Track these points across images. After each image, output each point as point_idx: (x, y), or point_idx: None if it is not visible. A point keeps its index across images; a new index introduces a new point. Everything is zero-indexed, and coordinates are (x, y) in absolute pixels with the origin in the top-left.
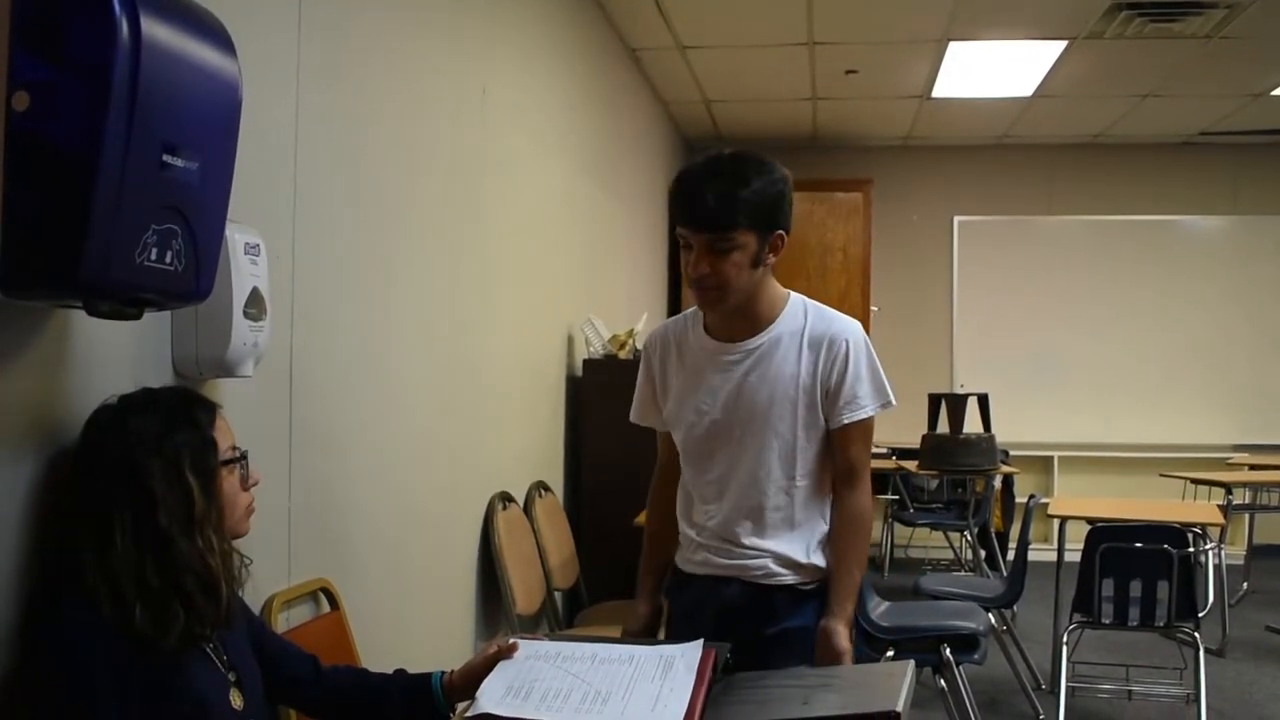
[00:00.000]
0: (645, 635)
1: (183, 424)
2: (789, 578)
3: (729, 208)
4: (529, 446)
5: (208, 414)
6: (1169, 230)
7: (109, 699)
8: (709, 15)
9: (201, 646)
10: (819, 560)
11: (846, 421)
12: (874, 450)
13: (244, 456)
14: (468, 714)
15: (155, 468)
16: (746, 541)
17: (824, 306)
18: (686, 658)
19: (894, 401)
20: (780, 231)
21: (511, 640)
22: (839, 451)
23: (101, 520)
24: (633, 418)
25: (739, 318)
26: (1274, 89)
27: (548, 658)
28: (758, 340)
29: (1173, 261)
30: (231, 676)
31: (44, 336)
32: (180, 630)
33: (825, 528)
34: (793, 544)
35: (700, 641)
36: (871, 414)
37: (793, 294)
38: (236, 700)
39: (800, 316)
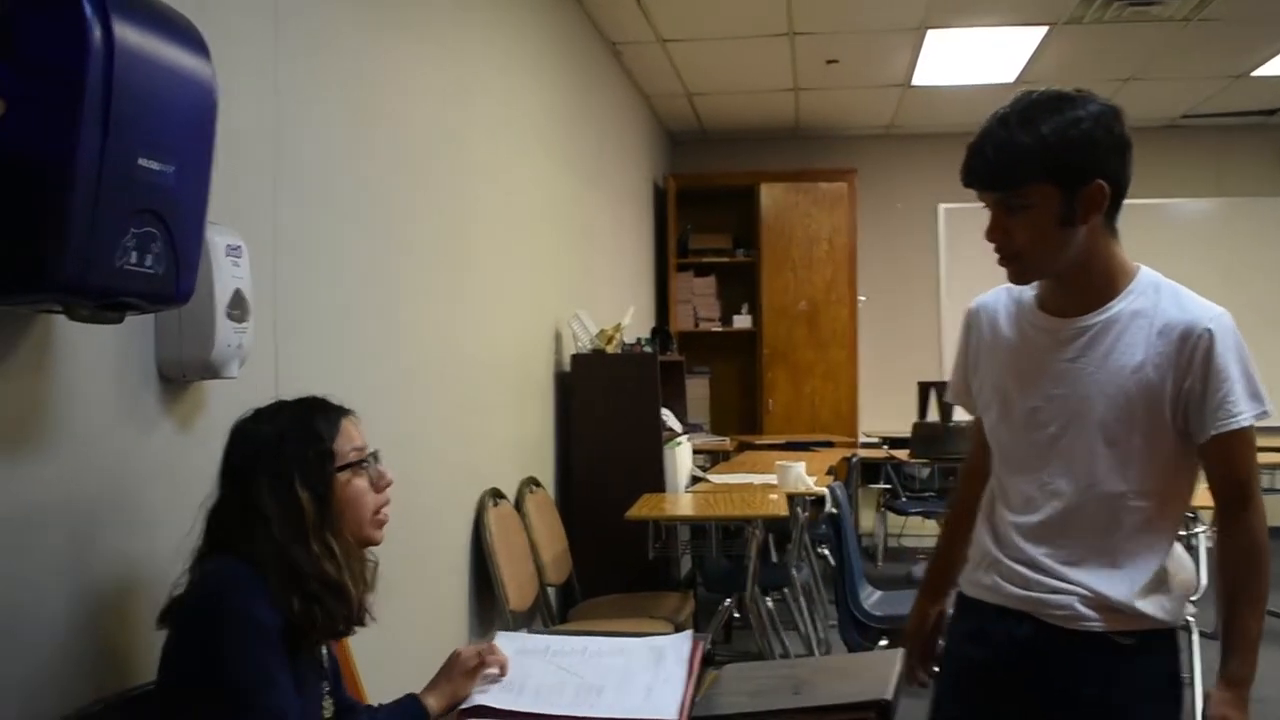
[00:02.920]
0: (915, 638)
1: (297, 436)
2: (1099, 624)
3: (1009, 158)
4: (519, 442)
5: (330, 422)
6: (1154, 214)
7: (268, 649)
8: (688, 8)
9: (317, 659)
10: (1147, 607)
11: (1220, 432)
12: (864, 439)
13: (373, 458)
14: (461, 707)
15: (264, 484)
16: (1051, 569)
17: (1181, 288)
18: (676, 649)
19: (1269, 409)
20: (1098, 180)
21: (457, 650)
22: (1216, 468)
23: (243, 515)
24: (947, 396)
25: (1069, 289)
26: (1255, 69)
27: (537, 652)
28: (1092, 318)
29: (1159, 244)
30: (326, 686)
31: (26, 342)
32: (322, 627)
33: (1159, 567)
34: (1113, 580)
35: (689, 633)
36: (1249, 423)
37: (1144, 269)
38: (328, 708)
39: (1150, 295)
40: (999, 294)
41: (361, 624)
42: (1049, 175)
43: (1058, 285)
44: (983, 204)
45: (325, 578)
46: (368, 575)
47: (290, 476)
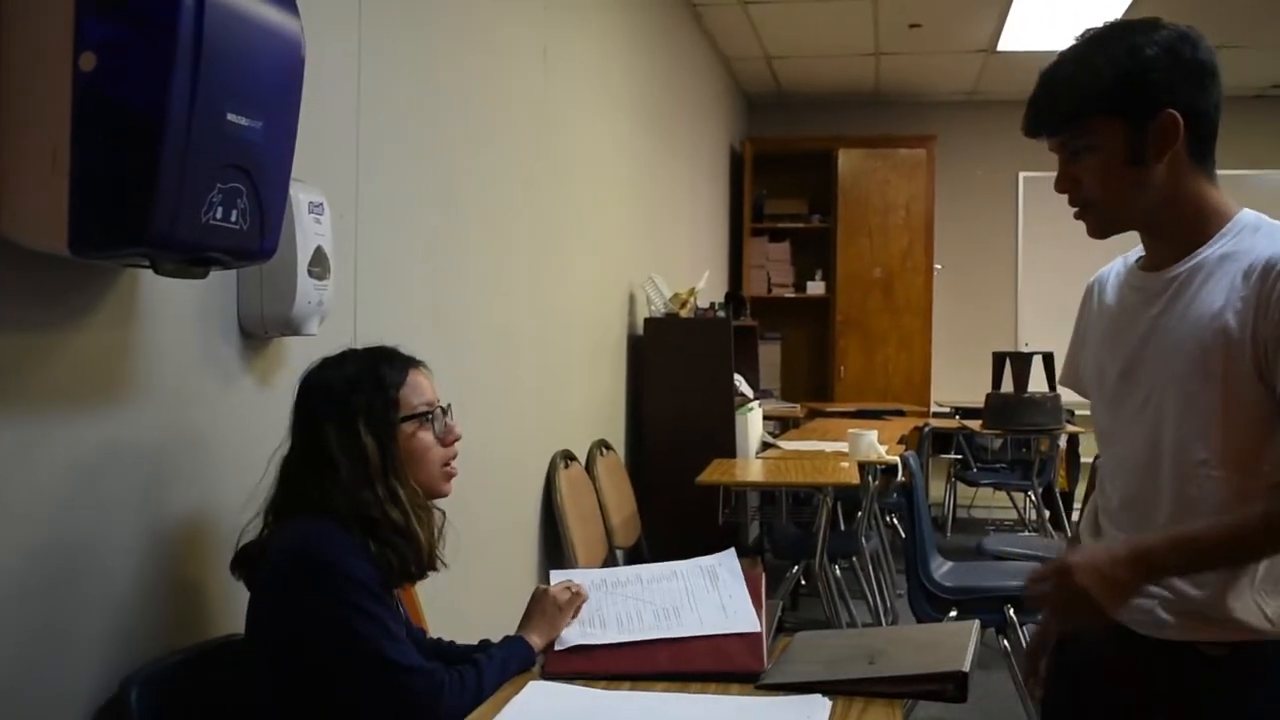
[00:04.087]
0: (1031, 644)
1: (364, 385)
2: (1181, 631)
3: (1064, 94)
4: (591, 405)
5: (398, 371)
6: (1244, 184)
7: (377, 603)
8: None
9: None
10: (1241, 611)
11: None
12: (936, 409)
13: (443, 412)
14: (556, 648)
15: (331, 430)
16: None
17: None
18: (726, 564)
19: None
20: (1169, 110)
21: (542, 587)
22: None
23: (314, 465)
24: (1059, 380)
25: (1158, 238)
26: None
27: (597, 586)
28: (1178, 268)
29: None
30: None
31: (112, 296)
32: (397, 570)
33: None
34: (1201, 585)
35: (731, 550)
36: None
37: (1246, 211)
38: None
39: (1246, 238)
40: (1116, 262)
41: (433, 569)
42: (1108, 108)
43: (1147, 236)
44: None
45: (393, 523)
46: (435, 525)
47: (355, 423)
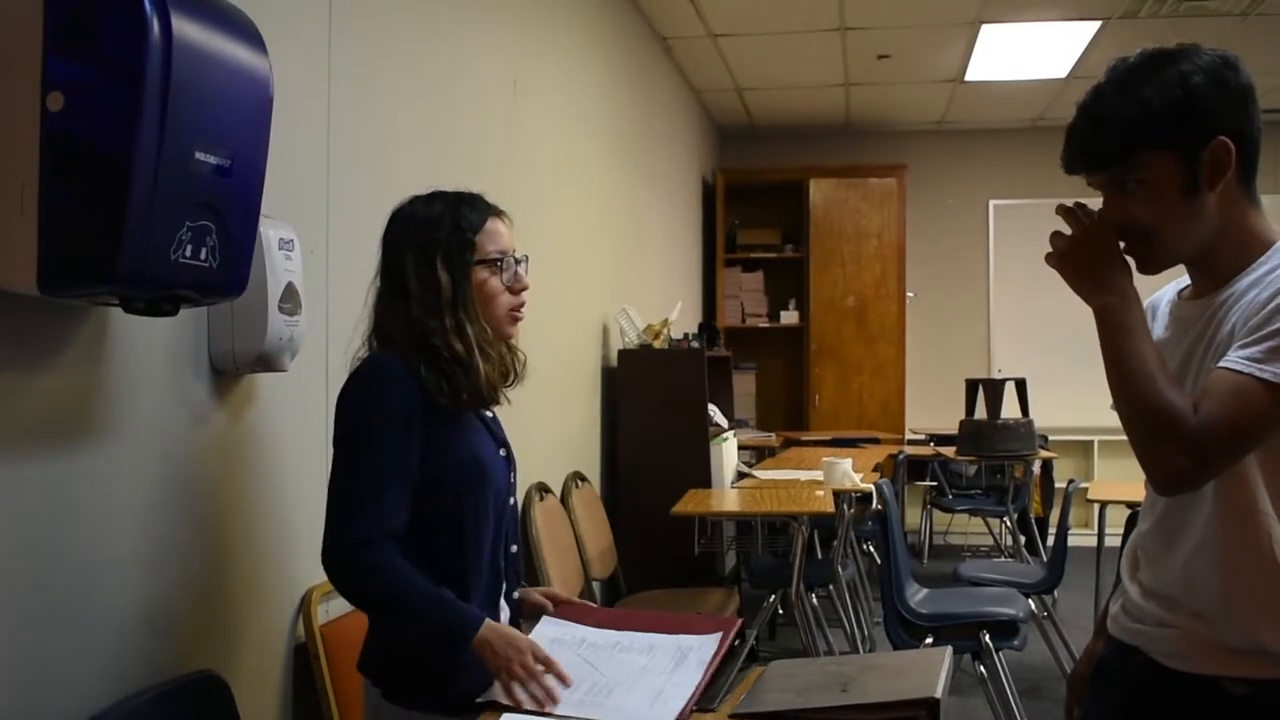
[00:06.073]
0: (1072, 677)
1: (443, 223)
2: (1203, 664)
3: (1111, 130)
4: (565, 437)
5: (478, 216)
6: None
7: (395, 423)
8: (739, 3)
9: (479, 417)
10: (1272, 643)
11: (1217, 366)
12: (911, 436)
13: (516, 262)
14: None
15: (409, 260)
16: (1162, 592)
17: None
18: (701, 650)
19: None
20: (1221, 138)
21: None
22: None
23: (391, 295)
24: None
25: (1200, 269)
26: None
27: (571, 643)
28: (1215, 297)
29: None
30: (503, 452)
31: (82, 333)
32: (449, 394)
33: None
34: (1230, 610)
35: (719, 634)
36: (1246, 370)
37: None
38: (505, 471)
39: (1276, 260)
40: (1167, 288)
41: (495, 401)
42: (1161, 141)
43: (1190, 266)
44: (1092, 188)
45: (454, 353)
46: (505, 361)
47: (432, 257)
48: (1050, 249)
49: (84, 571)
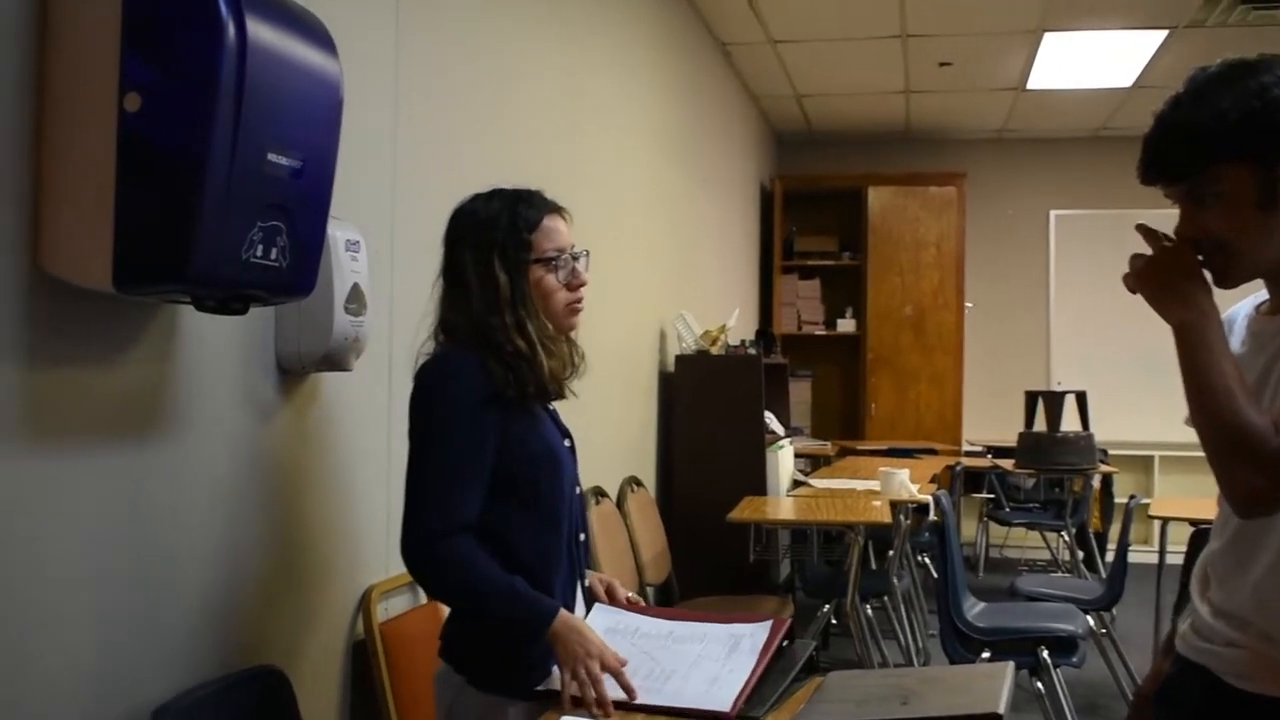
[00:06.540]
0: (1137, 697)
1: (500, 222)
2: (1271, 685)
3: (1185, 141)
4: (622, 441)
5: (535, 213)
6: None
7: (466, 416)
8: (800, 9)
9: (544, 409)
10: None
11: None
12: (968, 447)
13: (573, 259)
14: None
15: (468, 258)
16: (1226, 610)
17: None
18: (754, 637)
19: None
20: None
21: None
22: None
23: (453, 290)
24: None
25: (1276, 283)
26: None
27: (625, 632)
28: None
29: None
30: (567, 442)
31: (152, 332)
32: (516, 387)
33: None
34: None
35: (769, 621)
36: None
37: None
38: (571, 460)
39: None
40: (1244, 302)
41: (560, 395)
42: (1237, 153)
43: (1268, 280)
44: (1170, 200)
45: (516, 349)
46: (565, 355)
47: (490, 255)
48: (1129, 269)
49: (151, 565)
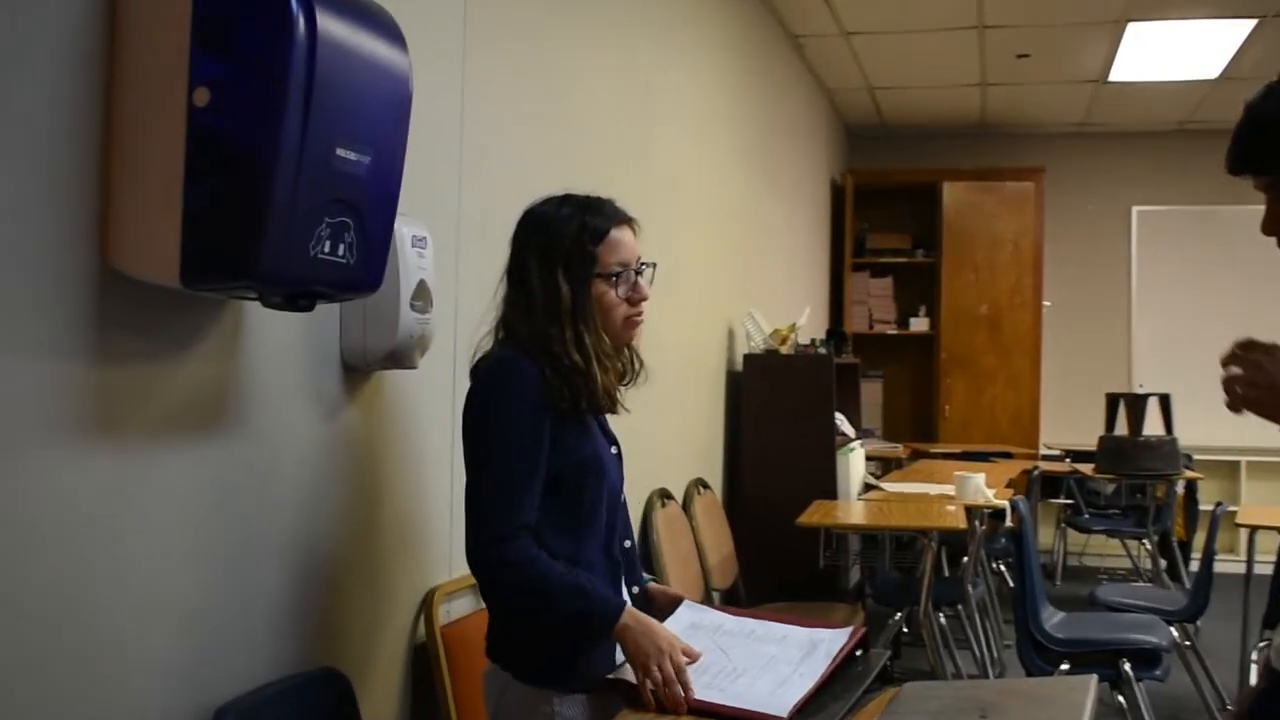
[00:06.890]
0: (1234, 714)
1: (566, 232)
2: None
3: (1268, 130)
4: (688, 443)
5: (603, 224)
6: None
7: (525, 420)
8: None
9: (594, 418)
10: None
11: None
12: (1046, 451)
13: (638, 273)
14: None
15: (533, 265)
16: None
17: None
18: (831, 643)
19: None
20: None
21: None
22: None
23: (516, 294)
24: None
25: None
26: None
27: (707, 629)
28: None
29: None
30: (614, 450)
31: (218, 327)
32: (569, 399)
33: None
34: None
35: (850, 629)
36: None
37: None
38: (617, 467)
39: None
40: None
41: (612, 409)
42: None
43: None
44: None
45: (573, 361)
46: (620, 369)
47: (554, 264)
48: (1223, 388)
49: (213, 564)
